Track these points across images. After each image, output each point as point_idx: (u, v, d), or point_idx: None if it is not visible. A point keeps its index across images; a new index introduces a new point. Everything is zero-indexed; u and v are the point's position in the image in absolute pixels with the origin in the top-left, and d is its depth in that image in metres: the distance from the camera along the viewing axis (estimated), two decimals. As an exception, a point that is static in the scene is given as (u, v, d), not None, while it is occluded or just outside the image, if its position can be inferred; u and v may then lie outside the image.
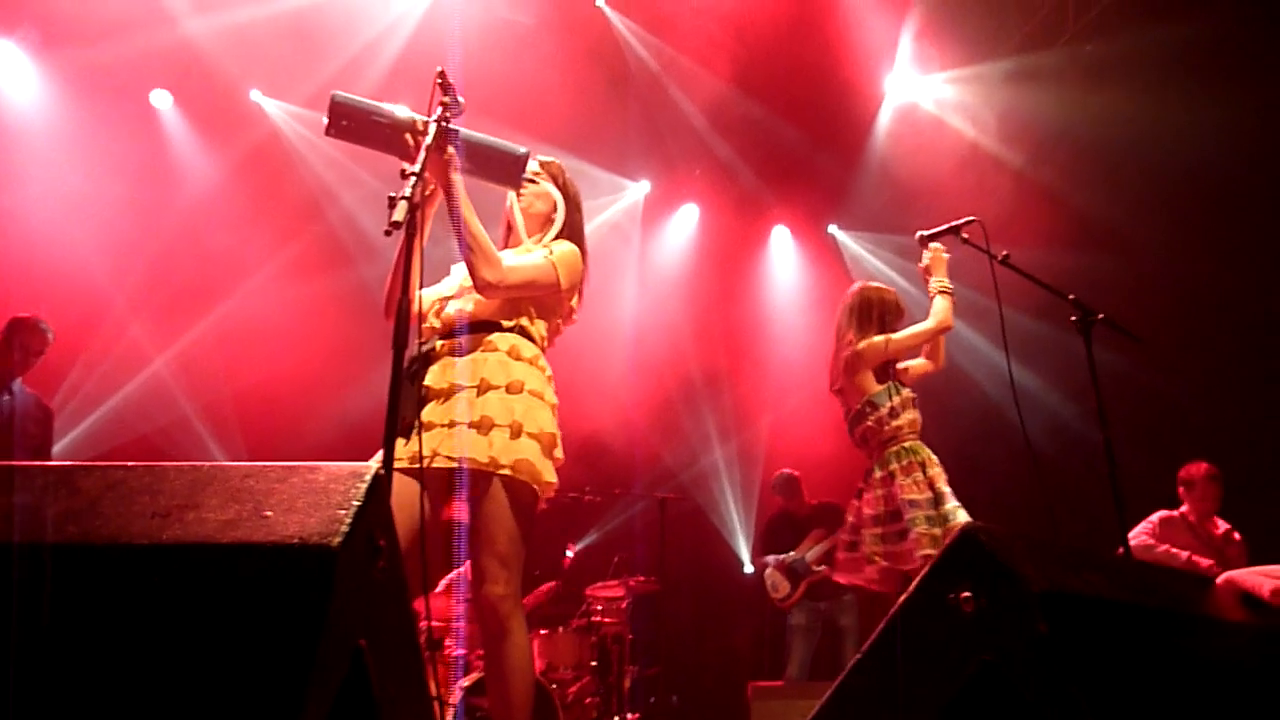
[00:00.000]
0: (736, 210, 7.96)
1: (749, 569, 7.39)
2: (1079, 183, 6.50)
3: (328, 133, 2.40)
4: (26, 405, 4.35)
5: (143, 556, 1.08)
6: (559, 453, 2.53)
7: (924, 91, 7.28)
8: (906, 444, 3.52)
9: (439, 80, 2.43)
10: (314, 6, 6.20)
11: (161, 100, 6.70)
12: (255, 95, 6.85)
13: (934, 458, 3.50)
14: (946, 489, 3.41)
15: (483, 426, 2.38)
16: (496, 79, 5.87)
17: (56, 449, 4.82)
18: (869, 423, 3.58)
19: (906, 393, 3.60)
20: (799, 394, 7.50)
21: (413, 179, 2.19)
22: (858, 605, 5.92)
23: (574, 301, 2.68)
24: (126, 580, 1.07)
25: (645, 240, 8.04)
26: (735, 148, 7.54)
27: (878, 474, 3.54)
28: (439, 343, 2.54)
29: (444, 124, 2.41)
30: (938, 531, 3.34)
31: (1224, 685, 1.56)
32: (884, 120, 7.49)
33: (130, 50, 6.16)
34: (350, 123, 2.39)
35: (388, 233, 2.13)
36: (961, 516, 3.34)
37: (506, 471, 2.36)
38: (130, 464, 1.21)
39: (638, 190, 8.00)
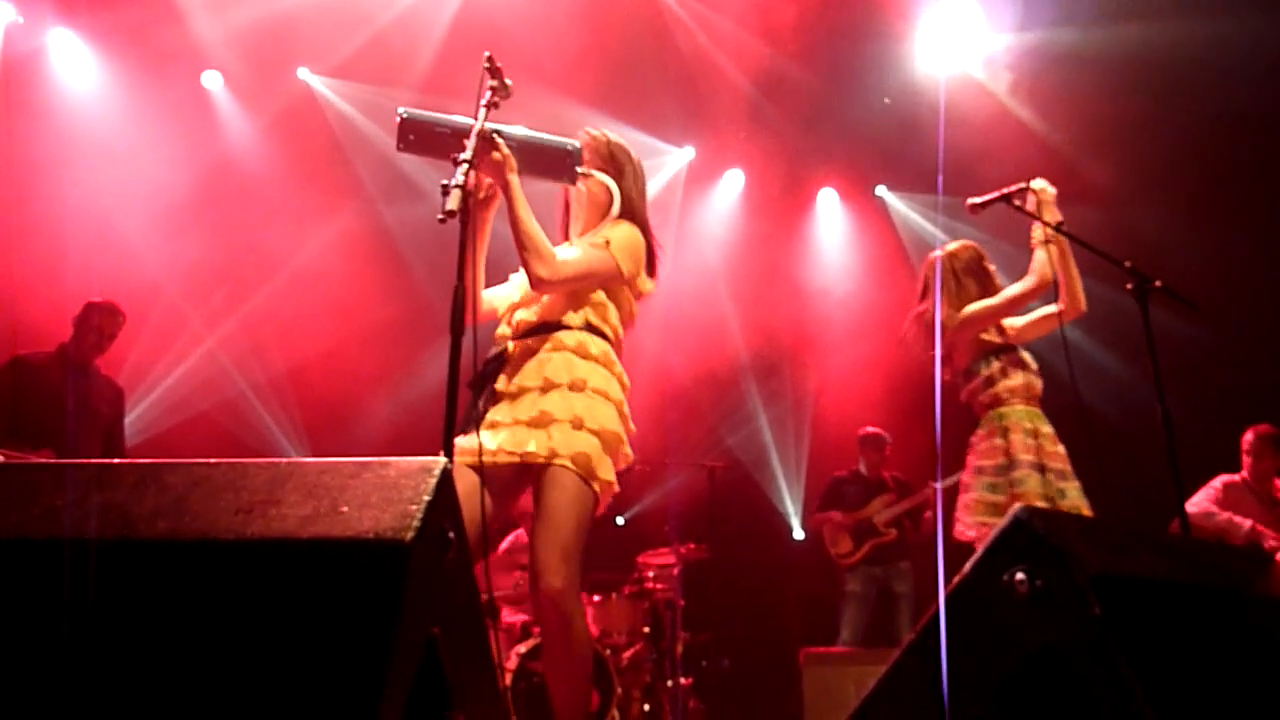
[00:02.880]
0: (782, 174, 7.87)
1: (798, 534, 7.42)
2: (1135, 141, 6.34)
3: (398, 148, 2.47)
4: (100, 387, 4.52)
5: (228, 552, 1.14)
6: (627, 449, 2.53)
7: (975, 50, 7.11)
8: (1003, 409, 3.40)
9: (487, 65, 2.46)
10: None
11: (213, 81, 6.80)
12: (303, 73, 6.92)
13: (1027, 424, 3.36)
14: (1026, 456, 3.28)
15: (542, 422, 2.41)
16: (538, 46, 5.87)
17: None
18: (969, 389, 3.50)
19: (1011, 356, 3.46)
20: (846, 358, 7.48)
21: (464, 165, 2.24)
22: (914, 573, 5.93)
23: (641, 280, 2.65)
24: (214, 574, 1.14)
25: (690, 206, 8.01)
26: (780, 111, 7.45)
27: (971, 439, 3.49)
28: (511, 345, 2.58)
29: (493, 108, 2.45)
30: (1000, 498, 3.26)
31: (1281, 664, 1.57)
32: (934, 80, 7.34)
33: (181, 32, 6.27)
34: (417, 137, 2.46)
35: (442, 220, 2.18)
36: (1030, 484, 3.23)
37: (565, 463, 2.38)
38: (213, 460, 1.27)
39: (682, 156, 7.96)
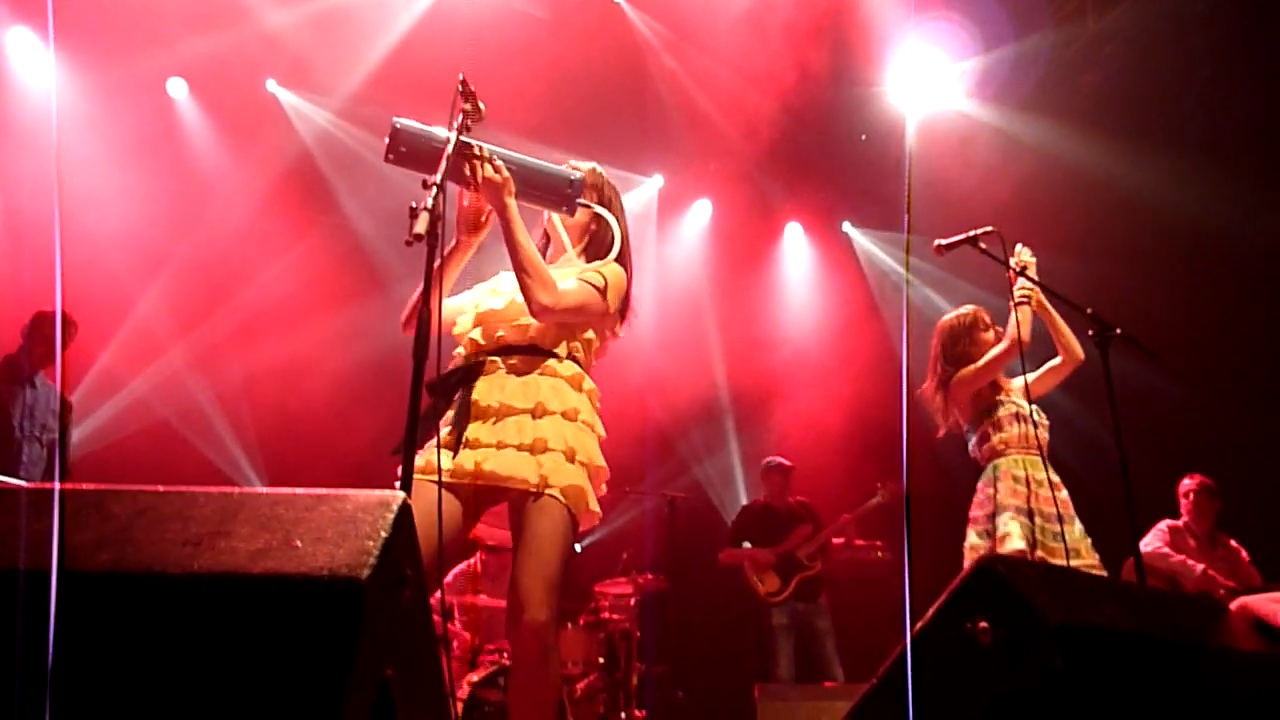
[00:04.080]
0: (750, 206, 7.93)
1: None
2: (1095, 189, 6.49)
3: (386, 159, 2.40)
4: (48, 398, 4.39)
5: (175, 586, 1.09)
6: (603, 487, 2.52)
7: (942, 91, 7.23)
8: (999, 461, 3.56)
9: (460, 88, 2.43)
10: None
11: (177, 89, 6.71)
12: (271, 85, 6.86)
13: (1017, 471, 3.51)
14: (1011, 501, 3.43)
15: (535, 449, 2.36)
16: (509, 71, 5.86)
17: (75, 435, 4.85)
18: (970, 447, 3.72)
19: (1006, 410, 3.63)
20: (810, 392, 7.51)
21: (434, 189, 2.21)
22: (830, 609, 5.98)
23: (619, 318, 2.66)
24: (159, 609, 1.09)
25: (659, 233, 8.02)
26: (749, 143, 7.51)
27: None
28: (489, 358, 2.50)
29: (465, 132, 2.42)
30: (984, 544, 3.42)
31: (1238, 717, 1.57)
32: (900, 118, 7.45)
33: (146, 37, 6.18)
34: (408, 149, 2.39)
35: (409, 243, 2.13)
36: (1012, 528, 3.35)
37: (556, 493, 2.34)
38: (161, 489, 1.22)
39: (651, 185, 7.98)
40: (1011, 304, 3.58)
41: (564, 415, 2.43)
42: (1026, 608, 1.36)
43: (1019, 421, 3.60)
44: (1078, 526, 3.44)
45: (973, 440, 3.70)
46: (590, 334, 2.58)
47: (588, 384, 2.54)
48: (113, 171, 6.18)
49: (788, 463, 6.29)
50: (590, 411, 2.52)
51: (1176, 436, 5.83)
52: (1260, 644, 1.79)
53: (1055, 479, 3.50)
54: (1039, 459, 3.51)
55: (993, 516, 3.45)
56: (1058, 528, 3.34)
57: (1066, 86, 6.67)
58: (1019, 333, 3.50)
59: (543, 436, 2.37)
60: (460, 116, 2.39)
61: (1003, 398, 3.67)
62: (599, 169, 2.77)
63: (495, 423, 2.41)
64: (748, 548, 6.05)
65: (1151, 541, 4.92)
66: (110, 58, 6.22)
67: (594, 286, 2.52)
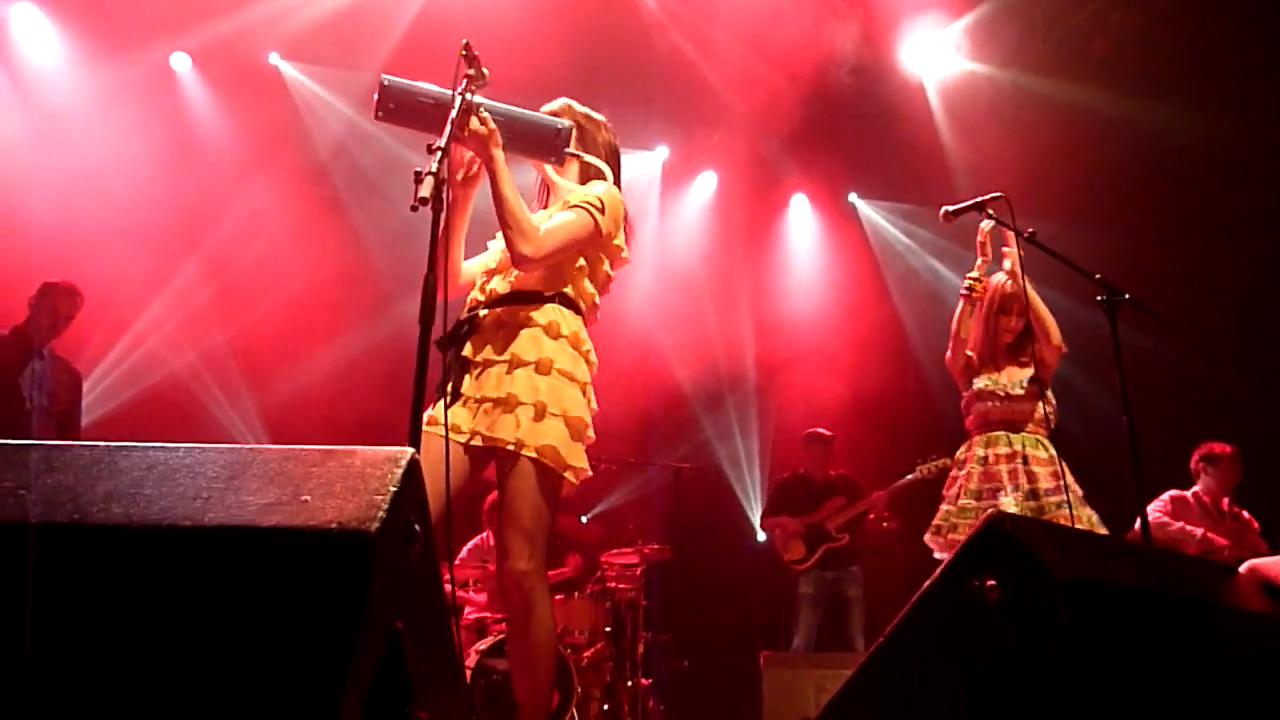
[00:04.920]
0: (755, 178, 7.88)
1: (761, 537, 7.42)
2: (1102, 157, 6.43)
3: (376, 116, 2.40)
4: (56, 371, 4.39)
5: (185, 538, 1.10)
6: (591, 433, 2.51)
7: (950, 57, 7.16)
8: (975, 438, 3.65)
9: (464, 52, 2.41)
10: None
11: (180, 63, 6.68)
12: (274, 59, 6.82)
13: (962, 455, 3.61)
14: (951, 491, 3.56)
15: (508, 404, 2.39)
16: (510, 43, 5.81)
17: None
18: None
19: (979, 386, 3.68)
20: (814, 365, 7.50)
21: (439, 154, 2.20)
22: (863, 577, 5.98)
23: (620, 240, 2.62)
24: (169, 562, 1.09)
25: (663, 205, 7.99)
26: (754, 114, 7.44)
27: None
28: (483, 312, 2.54)
29: (468, 96, 2.40)
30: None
31: (1244, 676, 1.57)
32: (907, 89, 7.39)
33: (149, 12, 6.15)
34: (397, 106, 2.39)
35: (414, 208, 2.13)
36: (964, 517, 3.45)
37: (531, 454, 2.37)
38: (170, 445, 1.23)
39: (655, 158, 7.94)
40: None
41: (536, 367, 2.43)
42: (1035, 564, 1.36)
43: (978, 400, 3.66)
44: (1052, 499, 3.42)
45: None
46: (582, 261, 2.56)
47: (568, 327, 2.50)
48: (118, 145, 6.15)
49: (828, 433, 6.24)
50: (570, 358, 2.48)
51: (1180, 403, 5.82)
52: (1269, 606, 1.79)
53: (1033, 453, 3.49)
54: (1003, 434, 3.56)
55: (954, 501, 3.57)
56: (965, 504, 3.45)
57: (1075, 54, 6.60)
58: (953, 325, 3.65)
59: (514, 392, 2.39)
60: (464, 81, 2.39)
61: (975, 379, 3.70)
62: (571, 103, 2.75)
63: (479, 376, 2.46)
64: (783, 519, 6.07)
65: (1152, 511, 4.91)
66: (113, 33, 6.19)
67: (585, 208, 2.50)
